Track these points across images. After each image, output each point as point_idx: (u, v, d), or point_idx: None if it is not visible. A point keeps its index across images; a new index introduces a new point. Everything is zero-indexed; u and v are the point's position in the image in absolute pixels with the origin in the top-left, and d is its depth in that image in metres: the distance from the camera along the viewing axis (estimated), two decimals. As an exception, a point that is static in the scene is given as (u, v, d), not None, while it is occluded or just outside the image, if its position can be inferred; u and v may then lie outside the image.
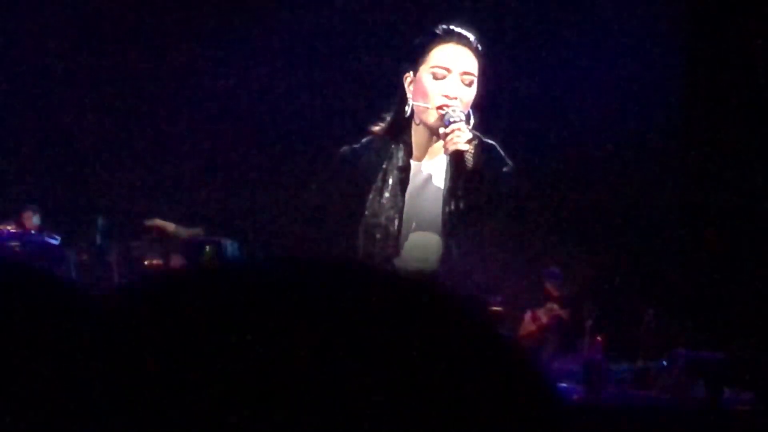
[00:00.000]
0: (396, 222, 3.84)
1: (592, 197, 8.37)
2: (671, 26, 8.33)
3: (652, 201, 8.39)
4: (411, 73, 3.90)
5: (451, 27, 3.91)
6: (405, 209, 3.86)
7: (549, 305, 7.57)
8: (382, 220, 3.81)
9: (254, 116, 8.38)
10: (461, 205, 3.75)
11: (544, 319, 7.53)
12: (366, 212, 3.90)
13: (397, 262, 3.83)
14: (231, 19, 8.53)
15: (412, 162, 3.89)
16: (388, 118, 3.98)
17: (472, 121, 3.76)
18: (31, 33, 8.69)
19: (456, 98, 3.79)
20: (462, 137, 3.69)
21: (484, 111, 3.87)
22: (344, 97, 8.31)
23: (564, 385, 5.67)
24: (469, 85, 3.81)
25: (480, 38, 3.83)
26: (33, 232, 8.51)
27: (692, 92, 8.35)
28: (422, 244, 3.89)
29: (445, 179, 3.84)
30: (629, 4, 8.40)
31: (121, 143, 8.79)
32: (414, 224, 3.87)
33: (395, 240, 3.87)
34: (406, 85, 3.89)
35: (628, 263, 8.12)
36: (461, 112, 3.78)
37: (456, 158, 3.68)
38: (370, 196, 3.88)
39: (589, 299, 7.53)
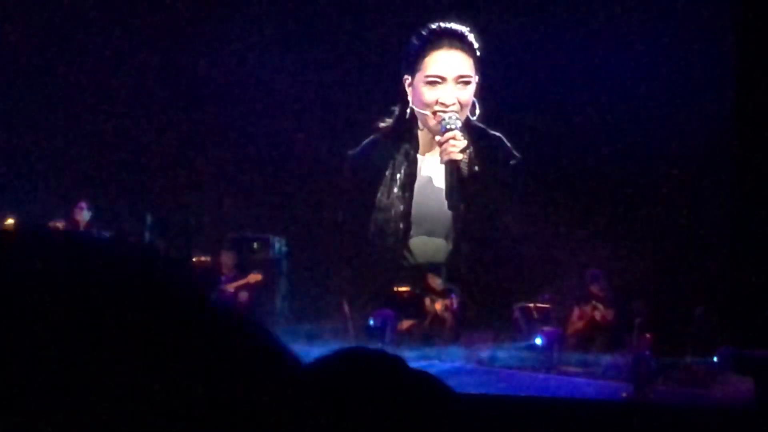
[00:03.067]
0: (405, 217, 3.89)
1: (640, 195, 8.32)
2: (713, 17, 8.21)
3: (700, 198, 8.34)
4: (409, 76, 3.96)
5: (442, 27, 3.95)
6: (413, 205, 3.92)
7: (594, 303, 7.56)
8: (392, 215, 3.87)
9: (271, 117, 8.33)
10: (467, 199, 3.80)
11: (591, 317, 7.52)
12: (375, 209, 3.96)
13: (406, 256, 3.89)
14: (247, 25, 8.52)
15: (419, 158, 3.95)
16: (393, 117, 4.04)
17: (477, 112, 3.79)
18: (87, 36, 8.78)
19: (453, 104, 3.86)
20: (457, 146, 3.76)
21: (513, 104, 3.86)
22: (349, 95, 8.28)
23: (613, 382, 5.67)
24: (466, 85, 3.86)
25: (473, 31, 3.83)
26: (83, 229, 8.57)
27: (746, 85, 8.25)
28: (430, 238, 3.94)
29: (449, 176, 3.89)
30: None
31: (170, 141, 8.85)
32: (422, 219, 3.92)
33: (404, 235, 3.93)
34: (405, 87, 3.95)
35: (678, 261, 8.07)
36: (457, 119, 3.84)
37: (451, 167, 3.73)
38: (379, 194, 3.94)
39: (638, 297, 7.51)
